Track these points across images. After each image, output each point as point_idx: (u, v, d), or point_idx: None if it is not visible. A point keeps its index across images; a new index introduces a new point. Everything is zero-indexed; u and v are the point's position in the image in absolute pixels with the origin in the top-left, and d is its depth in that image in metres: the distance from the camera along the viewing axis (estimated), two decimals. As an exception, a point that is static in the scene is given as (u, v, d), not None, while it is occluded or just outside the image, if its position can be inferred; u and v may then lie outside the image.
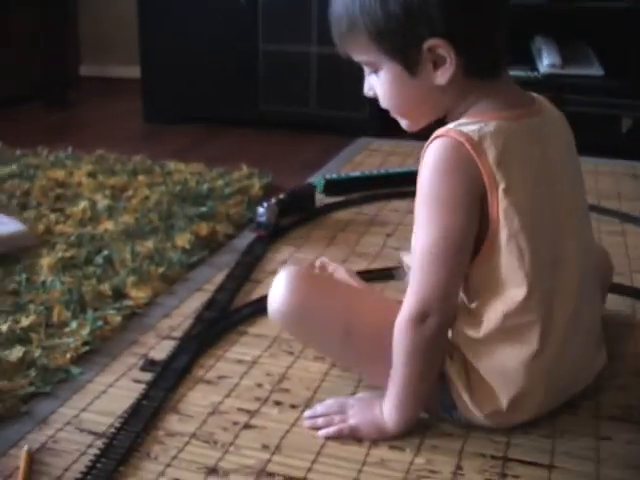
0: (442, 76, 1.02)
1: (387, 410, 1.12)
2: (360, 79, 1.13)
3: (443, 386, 1.12)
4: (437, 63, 1.01)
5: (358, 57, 1.09)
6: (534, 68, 2.80)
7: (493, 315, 1.05)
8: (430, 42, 1.00)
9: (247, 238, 1.86)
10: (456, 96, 1.05)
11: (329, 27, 1.09)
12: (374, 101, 1.13)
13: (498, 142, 0.99)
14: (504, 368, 1.07)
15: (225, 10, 2.99)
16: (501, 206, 0.99)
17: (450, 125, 1.03)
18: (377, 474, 1.06)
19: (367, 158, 2.56)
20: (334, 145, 2.77)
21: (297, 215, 1.95)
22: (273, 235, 1.84)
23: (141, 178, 2.27)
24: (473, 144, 0.99)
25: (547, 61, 2.79)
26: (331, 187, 2.19)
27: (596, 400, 1.22)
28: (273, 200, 1.85)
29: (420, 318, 1.04)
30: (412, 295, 1.05)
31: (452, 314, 1.07)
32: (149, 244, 1.77)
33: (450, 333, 1.10)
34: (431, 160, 1.02)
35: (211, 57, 3.06)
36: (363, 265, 1.68)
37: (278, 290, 1.15)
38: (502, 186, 0.99)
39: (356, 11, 1.03)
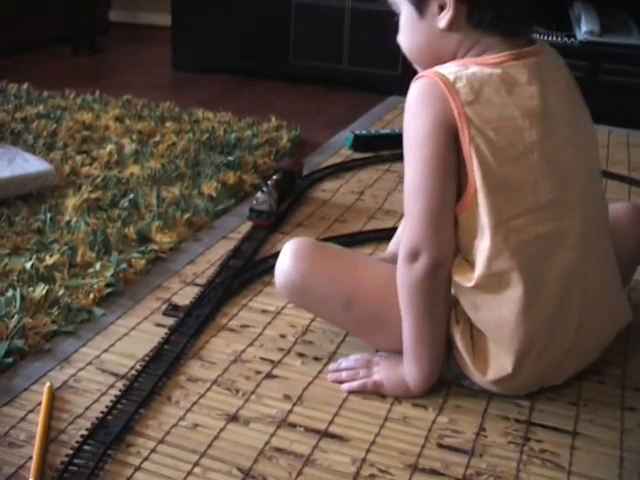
0: (443, 20, 1.04)
1: (407, 369, 1.11)
2: (394, 36, 1.12)
3: (450, 354, 1.11)
4: (442, 7, 1.04)
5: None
6: (571, 35, 2.75)
7: (479, 261, 1.04)
8: None
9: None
10: (457, 44, 1.06)
11: None
12: (406, 59, 1.15)
13: (474, 84, 1.00)
14: (500, 321, 1.04)
15: (260, -41, 2.95)
16: (472, 144, 0.99)
17: (434, 68, 1.04)
18: (399, 430, 1.05)
19: (397, 117, 2.52)
20: (364, 102, 2.73)
21: (289, 197, 1.74)
22: (275, 223, 1.64)
23: (169, 125, 2.25)
24: (447, 83, 1.00)
25: (585, 28, 2.72)
26: (360, 143, 2.17)
27: (623, 369, 1.20)
28: (270, 183, 1.68)
29: (412, 257, 1.05)
30: (403, 236, 1.07)
31: (446, 251, 1.06)
32: (175, 190, 1.76)
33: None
34: (409, 98, 1.04)
35: (243, 7, 3.01)
36: (391, 222, 1.66)
37: (282, 263, 1.17)
38: (473, 124, 0.99)
39: None
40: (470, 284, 1.05)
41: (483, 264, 1.03)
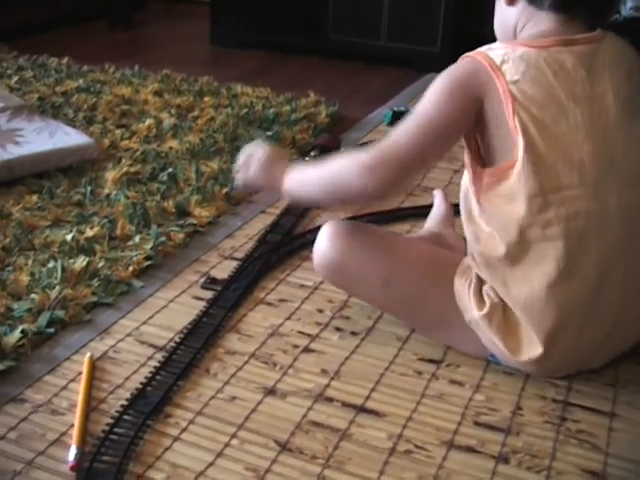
0: None
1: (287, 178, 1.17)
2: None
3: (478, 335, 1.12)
4: None
5: None
6: (616, 10, 2.71)
7: (512, 229, 1.04)
8: None
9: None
10: (516, 19, 1.10)
11: None
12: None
13: (519, 65, 1.02)
14: (531, 296, 1.04)
15: None
16: (517, 117, 1.01)
17: (482, 48, 1.07)
18: (435, 407, 1.06)
19: (436, 94, 2.51)
20: (403, 79, 2.72)
21: None
22: None
23: (207, 99, 2.25)
24: (492, 65, 1.03)
25: (631, 4, 2.68)
26: (398, 120, 2.14)
27: None
28: (308, 159, 1.67)
29: (369, 167, 1.06)
30: (377, 145, 1.08)
31: (392, 191, 1.11)
32: (214, 164, 1.76)
33: (479, 270, 1.10)
34: (451, 67, 1.07)
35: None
36: (428, 200, 1.65)
37: (320, 244, 1.18)
38: (518, 100, 1.01)
39: None
40: (500, 253, 1.05)
41: (515, 232, 1.04)
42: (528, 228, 1.03)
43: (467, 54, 1.07)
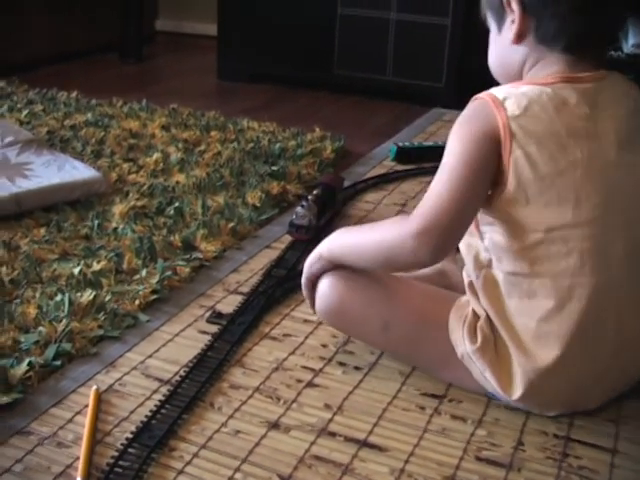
0: (511, 32, 1.08)
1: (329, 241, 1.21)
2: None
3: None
4: (513, 20, 1.08)
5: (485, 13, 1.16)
6: (618, 47, 2.73)
7: (503, 258, 1.07)
8: None
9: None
10: (523, 58, 1.10)
11: None
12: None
13: (521, 101, 1.03)
14: (525, 328, 1.06)
15: (306, -29, 2.97)
16: (512, 156, 1.02)
17: (490, 90, 1.08)
18: (437, 442, 1.06)
19: (440, 129, 2.53)
20: (408, 113, 2.74)
21: (330, 212, 1.72)
22: (314, 238, 1.56)
23: (214, 134, 2.28)
24: (496, 101, 1.04)
25: (632, 41, 2.71)
26: (403, 155, 2.18)
27: None
28: (310, 197, 1.67)
29: (416, 235, 1.04)
30: (419, 211, 1.06)
31: (441, 256, 1.08)
32: (220, 199, 1.78)
33: (475, 298, 1.11)
34: (462, 113, 1.08)
35: (288, 18, 3.04)
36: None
37: (321, 290, 1.20)
38: (516, 137, 1.02)
39: None
40: (498, 281, 1.08)
41: (507, 262, 1.07)
42: (516, 261, 1.05)
43: (475, 97, 1.08)
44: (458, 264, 1.31)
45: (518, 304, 1.07)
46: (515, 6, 1.06)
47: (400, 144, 2.22)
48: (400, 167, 2.14)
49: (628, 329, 1.08)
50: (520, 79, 1.11)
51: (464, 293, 1.16)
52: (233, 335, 1.27)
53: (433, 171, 2.05)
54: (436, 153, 2.15)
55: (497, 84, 1.11)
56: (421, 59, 2.87)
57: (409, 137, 2.42)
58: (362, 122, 2.67)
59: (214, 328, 1.30)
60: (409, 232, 1.05)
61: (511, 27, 1.08)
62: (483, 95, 1.07)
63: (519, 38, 1.08)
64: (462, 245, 1.15)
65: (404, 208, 1.85)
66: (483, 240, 1.11)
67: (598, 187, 1.04)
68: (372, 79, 2.97)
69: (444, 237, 1.05)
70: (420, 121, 2.65)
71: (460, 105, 2.39)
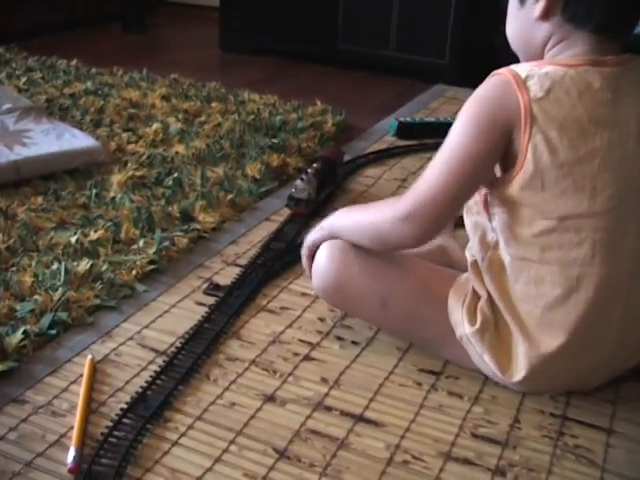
0: (537, 9, 1.03)
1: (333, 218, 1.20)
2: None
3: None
4: None
5: None
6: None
7: (512, 242, 1.05)
8: None
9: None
10: (547, 36, 1.05)
11: None
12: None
13: (544, 82, 0.99)
14: (529, 314, 1.05)
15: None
16: (532, 141, 0.99)
17: (510, 66, 1.04)
18: (434, 418, 1.06)
19: (442, 105, 2.52)
20: (410, 90, 2.72)
21: (330, 187, 1.72)
22: (313, 212, 1.61)
23: (214, 105, 2.26)
24: (518, 81, 1.00)
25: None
26: (404, 130, 2.16)
27: None
28: (310, 171, 1.66)
29: (403, 218, 1.05)
30: (409, 193, 1.06)
31: (430, 237, 1.09)
32: (219, 170, 1.77)
33: (478, 284, 1.10)
34: (479, 87, 1.04)
35: (292, -10, 3.02)
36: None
37: (318, 265, 1.19)
38: (537, 121, 0.99)
39: None
40: (505, 263, 1.07)
41: (515, 246, 1.05)
42: (526, 247, 1.04)
43: (495, 72, 1.04)
44: (459, 241, 1.30)
45: (524, 289, 1.06)
46: None
47: (401, 119, 2.20)
48: (401, 142, 2.12)
49: (633, 319, 1.07)
50: (541, 56, 1.07)
51: (464, 271, 1.16)
52: (230, 307, 1.26)
53: (435, 147, 2.03)
54: (438, 129, 2.17)
55: (500, 63, 1.08)
56: (424, 35, 2.84)
57: (411, 113, 2.40)
58: (364, 97, 2.65)
59: (211, 300, 1.29)
60: (397, 214, 1.06)
61: (536, 3, 1.03)
62: (504, 71, 1.02)
63: (545, 16, 1.03)
64: (468, 223, 1.14)
65: (404, 183, 1.84)
66: (492, 221, 1.09)
67: (615, 177, 1.01)
68: (375, 54, 2.94)
69: (429, 224, 1.06)
70: (422, 97, 2.63)
71: (463, 82, 2.37)
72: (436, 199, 1.03)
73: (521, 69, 1.02)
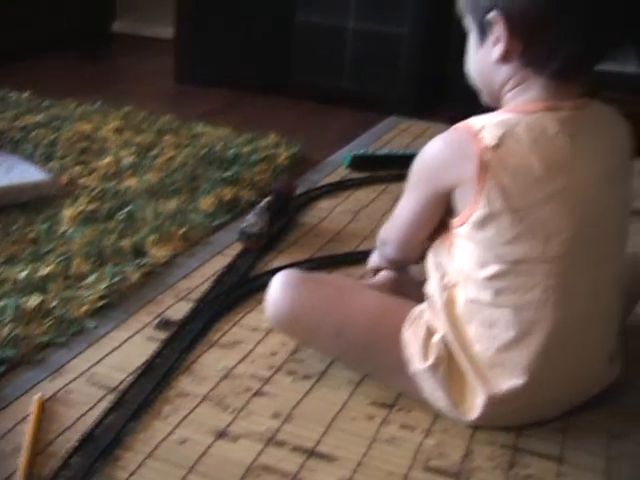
0: (495, 52, 1.04)
1: None
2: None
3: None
4: (498, 39, 1.03)
5: (463, 17, 1.13)
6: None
7: (468, 284, 1.07)
8: (492, 15, 1.02)
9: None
10: (506, 78, 1.06)
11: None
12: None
13: (498, 131, 1.01)
14: (482, 355, 1.06)
15: (265, -24, 2.97)
16: (485, 188, 1.01)
17: (468, 120, 1.06)
18: (386, 451, 1.06)
19: (396, 137, 2.54)
20: (364, 121, 2.74)
21: (282, 220, 1.72)
22: (265, 246, 1.63)
23: (168, 138, 2.26)
24: (472, 132, 1.02)
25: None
26: (357, 162, 2.17)
27: (613, 398, 1.20)
28: (262, 205, 1.67)
29: (381, 244, 1.28)
30: (385, 225, 1.26)
31: (407, 258, 1.27)
32: (172, 204, 1.77)
33: (430, 314, 1.12)
34: (435, 143, 1.09)
35: (246, 23, 3.02)
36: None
37: (272, 295, 1.19)
38: (491, 169, 1.00)
39: None
40: (459, 305, 1.08)
41: (471, 288, 1.07)
42: (480, 289, 1.05)
43: (454, 126, 1.06)
44: (416, 275, 1.31)
45: (478, 330, 1.06)
46: (502, 27, 1.01)
47: (355, 152, 2.21)
48: (355, 175, 2.13)
49: (588, 357, 1.09)
50: (500, 96, 1.08)
51: (417, 302, 1.17)
52: (182, 342, 1.26)
53: (388, 179, 2.08)
54: (391, 161, 2.19)
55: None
56: (378, 67, 2.87)
57: (365, 145, 2.42)
58: (318, 129, 2.66)
59: (163, 335, 1.28)
60: (379, 237, 1.27)
61: (495, 45, 1.04)
62: (461, 125, 1.05)
63: (504, 59, 1.04)
64: (430, 261, 1.15)
65: (357, 216, 1.84)
66: (451, 262, 1.10)
67: (570, 222, 1.02)
68: (330, 86, 2.97)
69: (400, 251, 1.25)
70: (376, 129, 2.65)
71: (417, 113, 2.41)
72: (397, 235, 1.22)
73: (476, 120, 1.04)
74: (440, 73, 2.87)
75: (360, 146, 2.38)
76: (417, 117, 2.71)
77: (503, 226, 1.01)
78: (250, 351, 1.27)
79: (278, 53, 3.01)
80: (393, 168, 2.17)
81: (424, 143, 1.12)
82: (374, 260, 1.35)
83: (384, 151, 2.31)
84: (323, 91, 2.97)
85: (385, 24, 2.81)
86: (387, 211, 1.87)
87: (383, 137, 2.55)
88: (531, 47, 1.02)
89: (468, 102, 1.18)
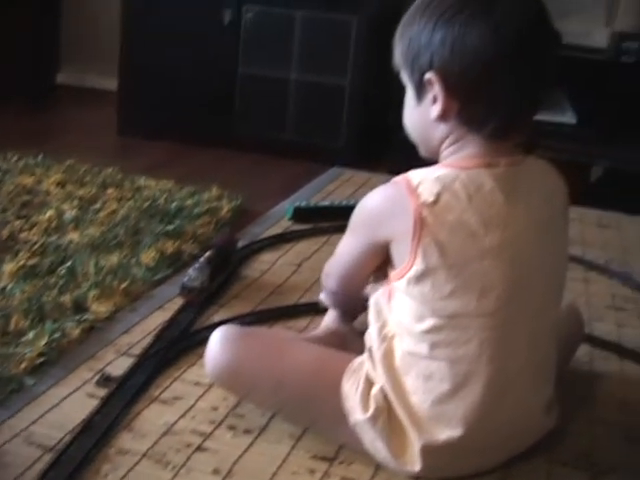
0: (433, 111, 1.05)
1: None
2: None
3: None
4: (435, 98, 1.05)
5: (400, 73, 1.13)
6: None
7: (405, 336, 1.08)
8: (429, 75, 1.03)
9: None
10: (444, 136, 1.08)
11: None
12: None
13: (435, 187, 1.03)
14: (421, 407, 1.07)
15: (208, 30, 3.00)
16: (422, 243, 1.02)
17: (407, 173, 1.07)
18: (326, 506, 1.06)
19: (339, 188, 2.57)
20: (307, 172, 2.77)
21: (224, 274, 1.73)
22: (207, 300, 1.63)
23: (110, 191, 2.26)
24: (410, 187, 1.04)
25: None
26: (299, 214, 2.19)
27: (550, 445, 1.22)
28: (203, 259, 1.67)
29: (324, 277, 1.32)
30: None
31: (350, 291, 1.30)
32: (114, 258, 1.76)
33: (371, 367, 1.12)
34: (374, 196, 1.12)
35: (190, 75, 3.05)
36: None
37: (211, 350, 1.20)
38: (427, 225, 1.02)
39: (400, 30, 1.10)
40: (397, 357, 1.08)
41: (408, 340, 1.07)
42: (417, 342, 1.06)
43: (393, 180, 1.07)
44: (358, 325, 1.33)
45: (414, 382, 1.07)
46: (439, 87, 1.03)
47: (297, 204, 2.24)
48: (297, 227, 2.15)
49: (525, 408, 1.11)
50: (438, 152, 1.10)
51: (357, 354, 1.17)
52: (122, 399, 1.25)
53: (330, 230, 2.10)
54: (333, 213, 2.22)
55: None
56: (321, 118, 2.92)
57: (308, 196, 2.45)
58: (261, 181, 2.68)
59: (103, 391, 1.27)
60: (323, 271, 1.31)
61: (433, 104, 1.05)
62: (400, 180, 1.06)
63: (442, 118, 1.05)
64: (372, 312, 1.16)
65: (299, 268, 1.86)
66: (391, 313, 1.12)
67: (505, 277, 1.04)
68: (272, 138, 3.00)
69: (341, 288, 1.29)
70: (319, 180, 2.68)
71: (359, 164, 2.45)
72: (338, 269, 1.25)
73: (415, 175, 1.05)
74: (382, 124, 2.92)
75: (303, 197, 2.41)
76: (360, 167, 2.75)
77: (439, 282, 1.03)
78: (191, 406, 1.26)
79: (221, 105, 3.03)
80: (335, 219, 2.18)
81: (366, 193, 1.14)
82: (322, 298, 1.39)
83: (326, 203, 2.34)
84: (266, 142, 3.00)
85: (327, 75, 2.87)
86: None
87: (326, 188, 2.58)
88: (468, 107, 1.04)
89: (410, 153, 1.20)
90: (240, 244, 1.90)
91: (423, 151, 1.15)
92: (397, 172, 1.09)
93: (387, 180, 1.10)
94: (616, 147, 2.84)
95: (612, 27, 2.90)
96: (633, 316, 1.80)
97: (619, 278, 2.03)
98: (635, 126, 2.99)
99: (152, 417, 1.23)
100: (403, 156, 2.46)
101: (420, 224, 1.02)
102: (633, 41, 2.81)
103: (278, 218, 2.22)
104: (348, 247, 1.20)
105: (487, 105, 1.04)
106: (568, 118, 2.92)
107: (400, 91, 1.15)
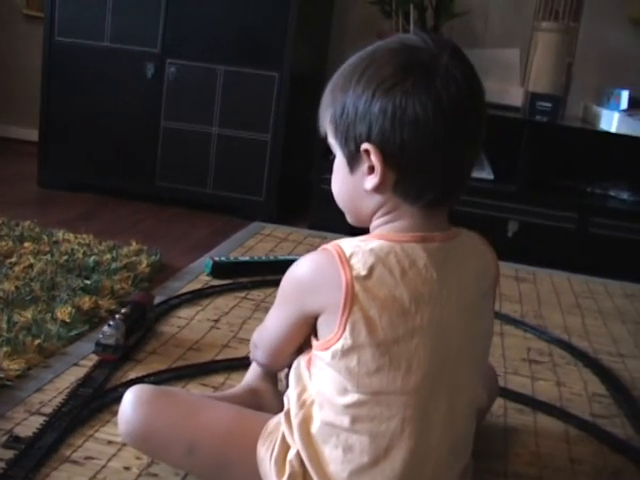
0: (369, 182, 1.03)
1: None
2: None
3: None
4: (372, 169, 1.02)
5: (328, 137, 1.10)
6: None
7: (325, 406, 1.06)
8: (365, 145, 1.01)
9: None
10: (378, 206, 1.05)
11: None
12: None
13: (368, 260, 1.00)
14: (339, 477, 1.05)
15: (131, 83, 3.01)
16: (351, 318, 0.99)
17: (338, 241, 1.05)
18: None
19: (259, 243, 2.58)
20: (228, 227, 2.78)
21: (140, 331, 1.71)
22: (123, 357, 1.61)
23: (27, 245, 2.22)
24: (342, 258, 1.01)
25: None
26: (218, 269, 2.19)
27: (504, 457, 1.21)
28: (119, 316, 1.64)
29: (253, 347, 1.30)
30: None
31: (276, 364, 1.29)
32: (28, 314, 1.73)
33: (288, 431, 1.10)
34: (303, 263, 1.07)
35: (112, 128, 3.05)
36: (244, 351, 1.68)
37: (124, 411, 1.18)
38: (358, 300, 0.99)
39: (331, 93, 1.07)
40: (315, 425, 1.07)
41: (327, 411, 1.05)
42: (337, 414, 1.04)
43: (324, 247, 1.04)
44: (279, 385, 1.32)
45: (333, 452, 1.05)
46: (377, 159, 1.00)
47: (216, 258, 2.24)
48: (216, 282, 2.15)
49: (444, 477, 1.10)
50: (368, 221, 1.07)
51: (274, 413, 1.17)
52: (30, 460, 1.22)
53: (249, 286, 2.11)
54: (253, 268, 2.23)
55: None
56: (242, 173, 2.94)
57: (228, 251, 2.45)
58: (182, 235, 2.68)
59: (10, 453, 1.24)
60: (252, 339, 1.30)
61: (368, 175, 1.02)
62: (331, 248, 1.02)
63: (376, 190, 1.03)
64: (293, 373, 1.14)
65: (217, 324, 1.86)
66: (311, 381, 1.10)
67: (432, 356, 1.02)
68: (193, 192, 3.01)
69: (268, 359, 1.26)
70: (239, 235, 2.69)
71: (280, 219, 2.47)
72: (265, 341, 1.23)
73: (347, 245, 1.02)
74: (303, 179, 2.95)
75: (223, 252, 2.42)
76: (280, 222, 2.77)
77: (365, 358, 1.00)
78: (103, 467, 1.24)
79: (143, 158, 3.04)
80: (255, 274, 2.20)
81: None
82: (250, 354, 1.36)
83: (246, 258, 2.35)
84: (187, 196, 3.02)
85: (249, 130, 2.90)
86: (248, 318, 1.91)
87: (247, 243, 2.59)
88: (406, 179, 1.01)
89: (330, 207, 1.18)
90: (158, 300, 1.89)
91: (351, 220, 1.12)
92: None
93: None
94: (532, 202, 2.93)
95: (527, 87, 3.01)
96: (547, 369, 1.84)
97: (534, 331, 2.08)
98: (549, 181, 3.10)
99: (62, 479, 1.20)
100: (323, 211, 2.51)
101: (351, 298, 0.99)
102: (546, 101, 2.91)
103: (197, 273, 2.22)
104: (277, 319, 1.16)
105: (426, 177, 1.01)
106: (486, 174, 3.00)
107: (321, 146, 1.14)
